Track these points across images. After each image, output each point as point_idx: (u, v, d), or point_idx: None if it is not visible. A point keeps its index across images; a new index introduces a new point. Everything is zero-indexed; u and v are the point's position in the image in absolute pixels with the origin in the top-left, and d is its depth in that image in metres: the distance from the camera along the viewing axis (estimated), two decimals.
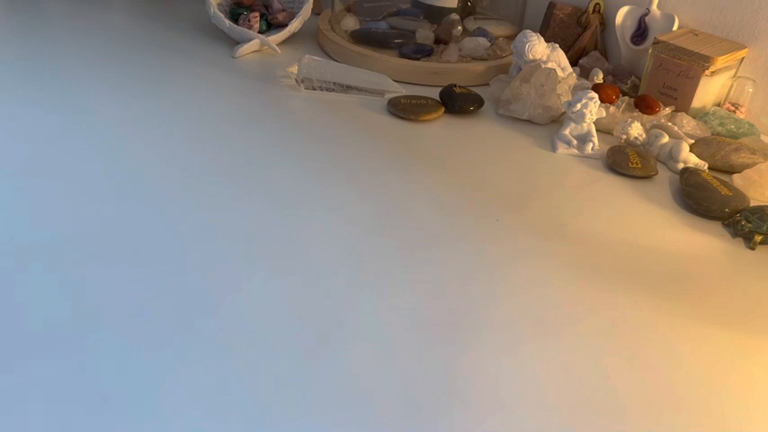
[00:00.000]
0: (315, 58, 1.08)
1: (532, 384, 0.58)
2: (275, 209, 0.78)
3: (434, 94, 1.07)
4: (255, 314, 0.62)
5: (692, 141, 0.97)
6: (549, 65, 1.06)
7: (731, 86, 1.07)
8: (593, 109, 0.95)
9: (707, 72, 1.01)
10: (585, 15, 1.21)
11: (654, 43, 1.06)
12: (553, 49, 1.08)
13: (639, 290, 0.71)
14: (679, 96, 1.05)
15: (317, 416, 0.53)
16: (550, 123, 1.05)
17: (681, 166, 0.94)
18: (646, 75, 1.09)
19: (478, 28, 1.23)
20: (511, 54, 1.15)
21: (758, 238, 0.80)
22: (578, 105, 0.95)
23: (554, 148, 0.98)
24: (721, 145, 0.95)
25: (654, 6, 1.12)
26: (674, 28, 1.10)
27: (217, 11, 1.17)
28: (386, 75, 1.09)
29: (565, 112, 1.00)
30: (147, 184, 0.80)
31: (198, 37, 1.23)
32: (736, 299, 0.72)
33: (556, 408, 0.56)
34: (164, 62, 1.12)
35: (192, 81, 1.07)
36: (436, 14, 1.24)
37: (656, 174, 0.93)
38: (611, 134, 1.02)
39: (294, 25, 1.20)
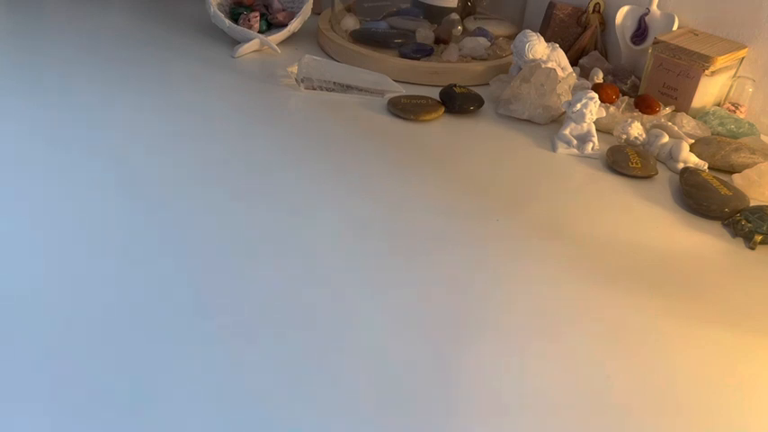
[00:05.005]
0: (315, 57, 1.08)
1: (533, 384, 0.58)
2: (274, 209, 0.78)
3: (434, 93, 1.07)
4: (255, 314, 0.62)
5: (692, 141, 0.97)
6: (549, 65, 1.06)
7: (731, 86, 1.07)
8: (593, 109, 0.95)
9: (707, 72, 1.01)
10: (585, 15, 1.21)
11: (654, 43, 1.06)
12: (553, 48, 1.08)
13: (639, 289, 0.71)
14: (679, 96, 1.05)
15: (316, 417, 0.53)
16: (550, 123, 1.05)
17: (681, 165, 0.94)
18: (646, 75, 1.09)
19: (478, 28, 1.23)
20: (511, 54, 1.15)
21: (758, 237, 0.80)
22: (578, 105, 0.95)
23: (554, 148, 0.98)
24: (721, 145, 0.95)
25: (654, 6, 1.12)
26: (674, 28, 1.10)
27: (217, 11, 1.17)
28: (386, 75, 1.09)
29: (565, 112, 1.00)
30: (146, 183, 0.80)
31: (198, 37, 1.23)
32: (736, 299, 0.72)
33: (556, 407, 0.56)
34: (164, 62, 1.12)
35: (192, 81, 1.06)
36: (436, 14, 1.24)
37: (656, 173, 0.93)
38: (611, 134, 1.02)
39: (294, 25, 1.20)
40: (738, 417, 0.57)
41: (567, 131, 0.97)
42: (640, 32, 1.15)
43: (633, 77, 1.13)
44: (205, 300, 0.63)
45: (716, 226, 0.84)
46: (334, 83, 1.07)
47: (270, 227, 0.75)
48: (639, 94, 1.09)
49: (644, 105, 1.03)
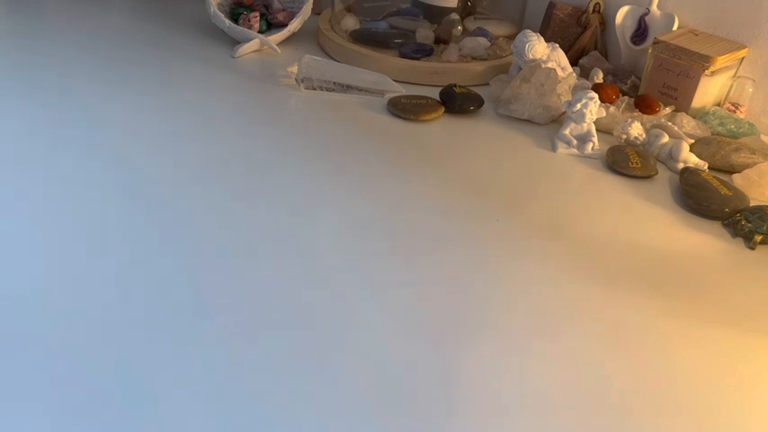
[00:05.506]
0: (315, 57, 1.08)
1: (533, 384, 0.58)
2: (274, 209, 0.78)
3: (434, 93, 1.07)
4: (255, 314, 0.62)
5: (692, 141, 0.97)
6: (549, 65, 1.06)
7: (731, 86, 1.07)
8: (593, 109, 0.95)
9: (707, 72, 1.01)
10: (585, 15, 1.21)
11: (654, 43, 1.06)
12: (553, 48, 1.08)
13: (639, 289, 0.71)
14: (679, 96, 1.05)
15: (316, 417, 0.53)
16: (550, 123, 1.05)
17: (681, 165, 0.94)
18: (646, 75, 1.09)
19: (478, 28, 1.23)
20: (511, 54, 1.15)
21: (758, 237, 0.80)
22: (578, 105, 0.95)
23: (554, 148, 0.98)
24: (721, 145, 0.95)
25: (654, 6, 1.12)
26: (674, 28, 1.10)
27: (217, 11, 1.17)
28: (386, 75, 1.09)
29: (565, 112, 1.00)
30: (146, 183, 0.80)
31: (198, 37, 1.23)
32: (736, 299, 0.72)
33: (556, 407, 0.56)
34: (164, 62, 1.12)
35: (192, 81, 1.06)
36: (436, 14, 1.24)
37: (656, 173, 0.93)
38: (611, 134, 1.02)
39: (294, 25, 1.20)
40: (738, 417, 0.58)
41: (567, 131, 0.97)
42: (640, 32, 1.15)
43: (633, 77, 1.13)
44: (205, 300, 0.63)
45: (716, 226, 0.84)
46: (334, 83, 1.07)
47: (270, 227, 0.75)
48: (639, 94, 1.09)
49: (644, 105, 1.03)
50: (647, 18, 1.13)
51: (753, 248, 0.80)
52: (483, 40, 1.18)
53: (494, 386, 0.58)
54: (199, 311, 0.62)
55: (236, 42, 1.19)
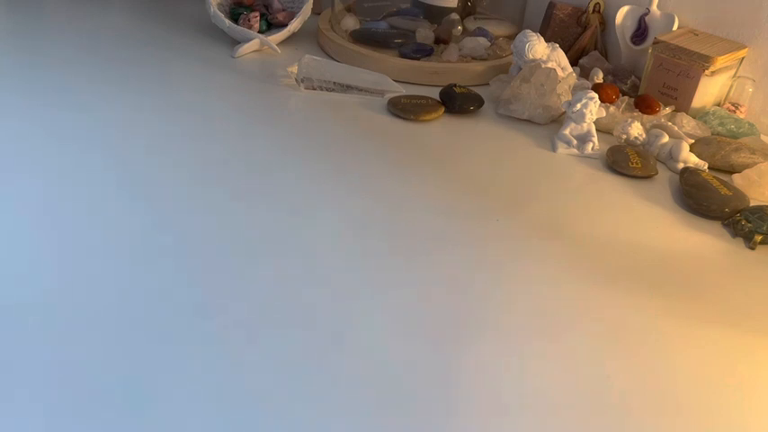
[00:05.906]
0: (315, 57, 1.08)
1: (533, 384, 0.58)
2: (274, 209, 0.78)
3: (434, 93, 1.07)
4: (255, 314, 0.62)
5: (692, 141, 0.97)
6: (549, 65, 1.06)
7: (731, 86, 1.07)
8: (593, 109, 0.95)
9: (707, 72, 1.01)
10: (585, 15, 1.21)
11: (654, 43, 1.06)
12: (553, 48, 1.08)
13: (639, 290, 0.71)
14: (679, 96, 1.05)
15: (316, 417, 0.53)
16: (550, 123, 1.05)
17: (681, 165, 0.94)
18: (646, 75, 1.09)
19: (478, 28, 1.23)
20: (511, 54, 1.15)
21: (758, 238, 0.80)
22: (578, 105, 0.95)
23: (554, 148, 0.98)
24: (721, 145, 0.95)
25: (654, 6, 1.12)
26: (674, 28, 1.10)
27: (217, 11, 1.17)
28: (386, 75, 1.09)
29: (565, 112, 1.00)
30: (146, 183, 0.80)
31: (198, 37, 1.23)
32: (736, 299, 0.72)
33: (556, 407, 0.56)
34: (164, 62, 1.12)
35: (192, 81, 1.06)
36: (436, 14, 1.24)
37: (656, 173, 0.93)
38: (611, 134, 1.02)
39: (294, 25, 1.20)
40: (738, 417, 0.58)
41: (567, 131, 0.97)
42: (640, 32, 1.15)
43: (633, 77, 1.13)
44: (205, 300, 0.63)
45: (716, 226, 0.84)
46: (334, 83, 1.07)
47: (270, 227, 0.75)
48: (639, 94, 1.09)
49: (644, 105, 1.03)
50: (647, 18, 1.14)
51: (753, 248, 0.80)
52: (483, 40, 1.18)
53: (494, 386, 0.58)
54: (199, 311, 0.62)
55: (236, 42, 1.19)
